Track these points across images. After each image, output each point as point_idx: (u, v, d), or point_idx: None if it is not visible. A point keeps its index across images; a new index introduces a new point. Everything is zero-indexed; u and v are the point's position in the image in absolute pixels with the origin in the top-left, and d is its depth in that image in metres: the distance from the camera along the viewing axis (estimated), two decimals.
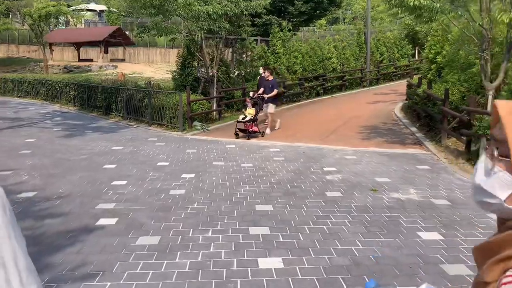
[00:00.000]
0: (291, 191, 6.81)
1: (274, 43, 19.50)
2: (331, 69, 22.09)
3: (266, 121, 13.01)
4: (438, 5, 8.82)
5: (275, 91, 12.46)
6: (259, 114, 12.52)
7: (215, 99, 15.01)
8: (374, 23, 32.46)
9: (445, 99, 9.92)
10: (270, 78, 12.68)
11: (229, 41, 18.53)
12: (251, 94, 13.22)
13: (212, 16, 13.54)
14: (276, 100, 13.07)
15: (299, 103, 19.49)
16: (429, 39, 16.04)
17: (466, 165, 8.31)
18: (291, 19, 26.57)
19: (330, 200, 6.32)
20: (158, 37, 17.39)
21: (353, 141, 11.28)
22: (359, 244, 4.67)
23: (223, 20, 14.36)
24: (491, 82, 9.13)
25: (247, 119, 11.78)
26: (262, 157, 9.55)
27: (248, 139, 11.61)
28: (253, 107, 12.06)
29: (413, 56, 29.26)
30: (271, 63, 19.04)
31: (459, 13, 9.10)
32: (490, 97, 9.01)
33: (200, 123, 13.67)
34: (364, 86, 24.17)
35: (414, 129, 12.21)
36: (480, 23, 8.73)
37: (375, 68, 25.23)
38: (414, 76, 16.92)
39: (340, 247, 4.60)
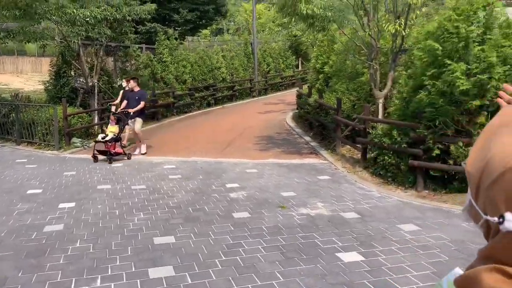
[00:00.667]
0: (194, 216, 6.03)
1: (160, 51, 18.48)
2: (221, 79, 21.75)
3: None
4: (330, 14, 8.84)
5: (141, 104, 10.70)
6: (128, 132, 11.13)
7: (96, 111, 13.51)
8: (258, 34, 33.03)
9: (338, 108, 10.01)
10: (137, 89, 10.92)
11: (110, 48, 17.04)
12: (112, 108, 11.28)
13: (90, 21, 12.15)
14: (143, 114, 11.20)
15: (191, 114, 18.71)
16: (314, 49, 16.50)
17: (364, 173, 8.35)
18: (176, 28, 25.74)
19: (239, 222, 5.69)
20: (25, 43, 15.23)
21: (251, 152, 10.88)
22: (280, 276, 4.10)
23: (103, 25, 13.03)
24: (380, 90, 9.40)
25: (107, 138, 9.84)
26: (155, 176, 8.59)
27: (110, 162, 9.68)
28: (116, 123, 10.30)
29: (297, 66, 30.41)
30: (159, 72, 18.00)
31: (349, 23, 9.26)
32: (380, 105, 9.26)
33: (79, 140, 12.13)
34: (253, 96, 24.29)
35: (308, 138, 12.26)
36: (370, 33, 8.94)
37: (263, 79, 25.55)
38: (304, 86, 17.24)
39: (259, 283, 3.97)
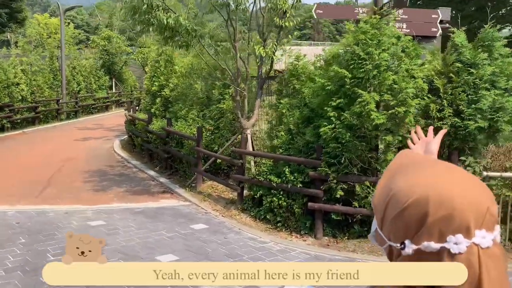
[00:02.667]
0: None
1: None
2: (20, 97, 17.67)
3: None
4: (197, 28, 7.39)
5: None
6: None
7: None
8: (58, 50, 28.03)
9: (199, 138, 8.55)
10: None
11: None
12: None
13: None
14: None
15: None
16: (148, 70, 14.67)
17: (243, 216, 7.04)
18: None
19: None
20: None
21: (84, 195, 8.41)
22: None
23: None
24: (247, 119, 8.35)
25: None
26: None
27: None
28: None
29: (110, 88, 27.55)
30: None
31: (217, 44, 8.01)
32: (249, 136, 8.18)
33: None
34: (61, 120, 20.63)
35: (153, 173, 10.31)
36: (240, 55, 7.82)
37: (73, 99, 22.02)
38: (136, 110, 14.98)
39: None
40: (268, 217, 6.65)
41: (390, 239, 0.77)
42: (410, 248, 0.72)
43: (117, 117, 23.60)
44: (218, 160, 8.82)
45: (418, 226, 0.71)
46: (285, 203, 6.37)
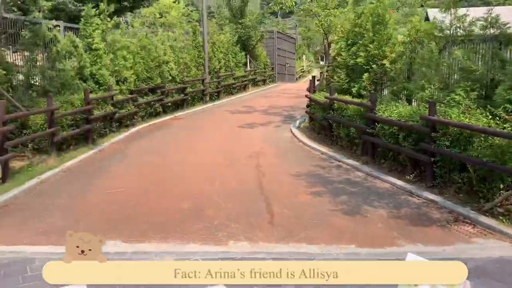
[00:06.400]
0: None
1: (89, 33, 11.93)
2: (169, 77, 15.66)
3: None
4: None
5: None
6: None
7: None
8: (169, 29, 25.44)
9: None
10: None
11: (7, 23, 10.18)
12: None
13: None
14: None
15: (136, 128, 12.51)
16: (335, 38, 11.48)
17: None
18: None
19: None
20: None
21: (336, 220, 5.46)
22: None
23: None
24: None
25: None
26: None
27: None
28: None
29: (245, 65, 25.10)
30: (88, 66, 11.45)
31: None
32: None
33: None
34: (205, 102, 18.50)
35: (397, 181, 7.05)
36: None
37: (215, 79, 19.80)
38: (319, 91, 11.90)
39: None
40: None
41: None
42: None
43: (259, 97, 21.10)
44: None
45: None
46: None
